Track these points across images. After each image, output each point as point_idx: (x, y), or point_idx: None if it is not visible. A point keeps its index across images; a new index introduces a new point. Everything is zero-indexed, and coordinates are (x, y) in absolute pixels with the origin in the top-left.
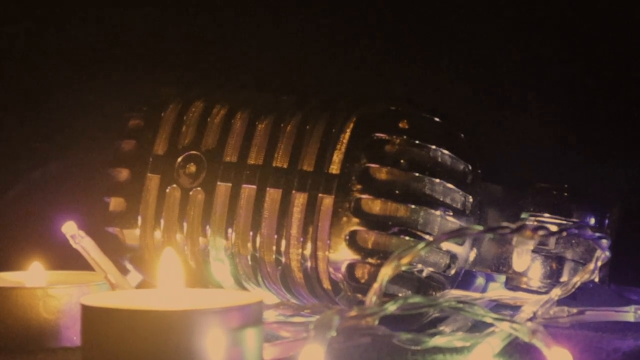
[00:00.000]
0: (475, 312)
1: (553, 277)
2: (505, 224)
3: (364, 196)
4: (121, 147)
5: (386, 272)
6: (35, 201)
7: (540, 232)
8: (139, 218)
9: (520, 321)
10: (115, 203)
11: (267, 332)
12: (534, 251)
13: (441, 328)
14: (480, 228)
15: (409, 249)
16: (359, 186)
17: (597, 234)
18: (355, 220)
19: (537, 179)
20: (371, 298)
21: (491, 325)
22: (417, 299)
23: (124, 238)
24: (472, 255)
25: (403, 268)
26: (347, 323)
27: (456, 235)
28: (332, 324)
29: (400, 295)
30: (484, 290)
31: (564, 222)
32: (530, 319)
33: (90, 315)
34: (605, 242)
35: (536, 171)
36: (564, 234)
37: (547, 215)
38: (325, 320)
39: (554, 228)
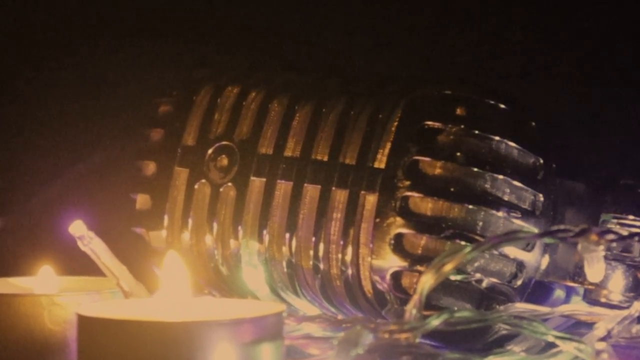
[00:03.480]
0: (534, 329)
1: (637, 289)
2: (565, 226)
3: (412, 194)
4: (149, 137)
5: (426, 281)
6: (49, 198)
7: (609, 237)
8: (166, 217)
9: (588, 341)
10: (142, 200)
11: (293, 349)
12: (616, 259)
13: (509, 348)
14: (535, 231)
15: (453, 254)
16: (406, 182)
17: None
18: (402, 221)
19: (623, 175)
20: (410, 311)
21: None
22: (464, 313)
23: (149, 240)
24: (544, 263)
25: (458, 277)
26: (383, 340)
27: (506, 239)
28: (359, 341)
29: (456, 309)
30: (564, 304)
31: None
32: (604, 338)
33: (86, 326)
34: None
35: (625, 167)
36: (637, 239)
37: (631, 217)
38: (351, 336)
39: (624, 232)
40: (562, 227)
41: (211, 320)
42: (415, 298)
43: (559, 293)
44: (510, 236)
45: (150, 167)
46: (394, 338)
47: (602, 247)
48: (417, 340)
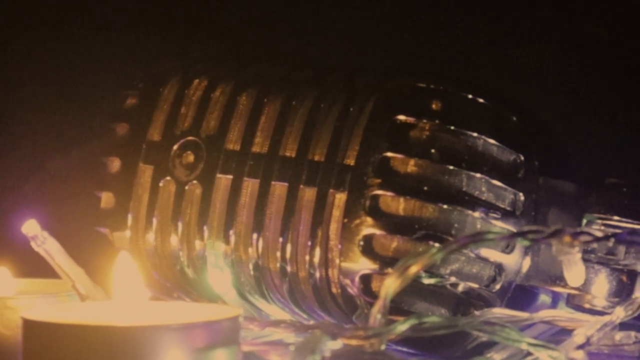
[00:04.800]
0: (507, 335)
1: (622, 294)
2: (537, 227)
3: (382, 192)
4: (114, 132)
5: (391, 285)
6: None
7: (583, 238)
8: (129, 217)
9: (566, 348)
10: (106, 199)
11: (253, 356)
12: (600, 263)
13: (489, 355)
14: (503, 231)
15: (419, 255)
16: (376, 180)
17: None
18: (371, 221)
19: (610, 174)
20: (375, 316)
21: None
22: (433, 319)
23: (113, 241)
24: (526, 266)
25: (431, 281)
26: (347, 346)
27: (475, 240)
28: (316, 347)
29: (423, 314)
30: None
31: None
32: (582, 346)
33: (30, 330)
34: None
35: (611, 165)
36: (612, 240)
37: (616, 218)
38: (309, 343)
39: (598, 233)
40: (534, 227)
41: (160, 325)
42: (379, 302)
43: (544, 298)
44: (479, 237)
45: (115, 164)
46: (358, 344)
47: (577, 249)
48: (383, 346)
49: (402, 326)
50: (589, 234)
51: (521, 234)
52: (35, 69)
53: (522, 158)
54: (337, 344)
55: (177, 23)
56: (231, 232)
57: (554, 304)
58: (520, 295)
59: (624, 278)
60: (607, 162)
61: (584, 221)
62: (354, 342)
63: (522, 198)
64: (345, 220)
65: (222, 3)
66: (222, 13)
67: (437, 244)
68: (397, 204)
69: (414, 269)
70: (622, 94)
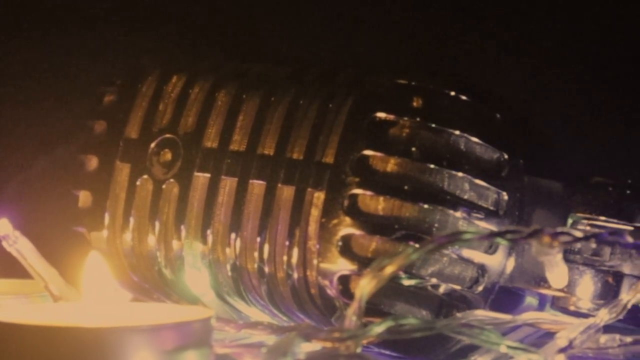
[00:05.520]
0: (487, 338)
1: (608, 296)
2: (516, 227)
3: (361, 192)
4: (92, 130)
5: (365, 286)
6: None
7: (562, 239)
8: (106, 216)
9: (547, 352)
10: (83, 198)
11: (227, 358)
12: (586, 264)
13: (473, 358)
14: (480, 231)
15: (394, 256)
16: (355, 179)
17: None
18: (350, 221)
19: (597, 173)
20: (350, 318)
21: None
22: (410, 321)
23: (90, 240)
24: (510, 267)
25: (412, 282)
26: (321, 349)
27: (452, 239)
28: (288, 350)
29: (407, 316)
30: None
31: (628, 227)
32: (565, 349)
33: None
34: None
35: (601, 164)
36: (592, 241)
37: (602, 218)
38: (281, 345)
39: (578, 234)
40: (512, 227)
41: (128, 326)
42: (354, 304)
43: (531, 300)
44: (456, 236)
45: (92, 162)
46: (333, 347)
47: (557, 250)
48: (359, 349)
49: (378, 328)
50: (568, 234)
51: (499, 234)
52: (18, 68)
53: (506, 156)
54: (313, 346)
55: (156, 19)
56: (208, 231)
57: (540, 307)
58: (506, 297)
59: (610, 280)
60: (595, 160)
61: (570, 221)
62: (328, 344)
63: (506, 197)
64: (323, 219)
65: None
66: (201, 8)
67: (417, 244)
68: (377, 204)
69: (389, 270)
70: (610, 92)
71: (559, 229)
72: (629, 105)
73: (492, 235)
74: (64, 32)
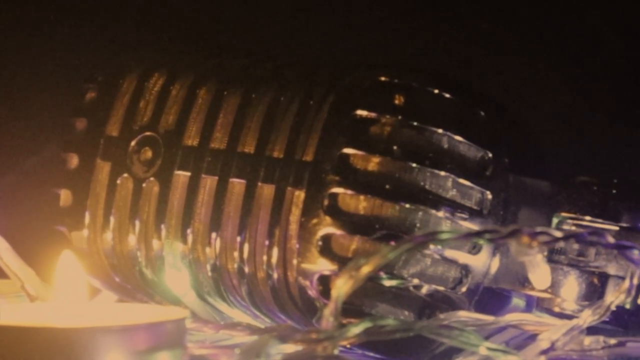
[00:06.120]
0: (466, 340)
1: (593, 297)
2: (494, 227)
3: (341, 190)
4: (73, 127)
5: (342, 286)
6: None
7: (541, 239)
8: (87, 215)
9: (528, 354)
10: (64, 197)
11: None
12: (571, 264)
13: None
14: (456, 231)
15: (371, 256)
16: (335, 178)
17: (626, 243)
18: (330, 220)
19: (584, 172)
20: (327, 319)
21: None
22: (388, 322)
23: (71, 240)
24: (494, 267)
25: (393, 283)
26: (298, 350)
27: (429, 239)
28: (262, 351)
29: (385, 317)
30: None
31: (613, 227)
32: (546, 351)
33: None
34: (637, 254)
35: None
36: (571, 241)
37: (587, 218)
38: (255, 346)
39: (558, 234)
40: (490, 227)
41: (99, 327)
42: (330, 304)
43: (518, 302)
44: (433, 235)
45: (73, 160)
46: (310, 348)
47: (536, 250)
48: (336, 351)
49: (356, 329)
50: (547, 234)
51: (477, 234)
52: (7, 66)
53: (491, 155)
54: (290, 348)
55: (139, 15)
56: (189, 231)
57: (528, 308)
58: (492, 298)
59: (595, 281)
60: (582, 159)
61: (555, 221)
62: (305, 345)
63: (490, 197)
64: (303, 219)
65: None
66: (183, 4)
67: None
68: (357, 203)
69: (365, 270)
70: (598, 90)
71: (538, 229)
72: (617, 103)
73: (470, 235)
74: (51, 27)
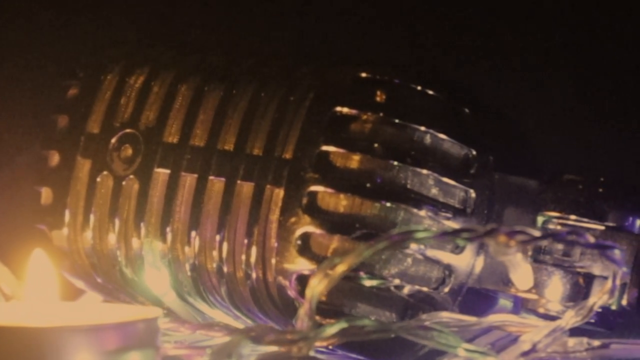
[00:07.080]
0: (445, 341)
1: (578, 298)
2: (471, 226)
3: (320, 188)
4: (54, 124)
5: (315, 286)
6: None
7: (519, 238)
8: (67, 213)
9: (509, 355)
10: (45, 195)
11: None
12: (556, 265)
13: None
14: (433, 229)
15: (345, 254)
16: (314, 175)
17: (607, 243)
18: (308, 219)
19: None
20: (302, 319)
21: None
22: (364, 322)
23: (52, 238)
24: (478, 267)
25: (373, 282)
26: (272, 351)
27: (405, 238)
28: (233, 352)
29: (362, 318)
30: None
31: (599, 227)
32: (528, 353)
33: None
34: (618, 254)
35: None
36: (550, 240)
37: (573, 217)
38: (226, 347)
39: (536, 233)
40: (467, 226)
41: (67, 326)
42: (305, 304)
43: (505, 303)
44: (410, 234)
45: (54, 158)
46: (286, 349)
47: (514, 249)
48: (312, 352)
49: (331, 330)
50: (525, 233)
51: (454, 233)
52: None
53: (475, 153)
54: (268, 348)
55: (121, 11)
56: (168, 229)
57: (515, 309)
58: (479, 299)
59: (580, 281)
60: (570, 158)
61: (540, 220)
62: (279, 346)
63: (474, 195)
64: (282, 217)
65: None
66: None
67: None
68: (337, 201)
69: (340, 268)
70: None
71: (516, 228)
72: (604, 101)
73: (447, 234)
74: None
